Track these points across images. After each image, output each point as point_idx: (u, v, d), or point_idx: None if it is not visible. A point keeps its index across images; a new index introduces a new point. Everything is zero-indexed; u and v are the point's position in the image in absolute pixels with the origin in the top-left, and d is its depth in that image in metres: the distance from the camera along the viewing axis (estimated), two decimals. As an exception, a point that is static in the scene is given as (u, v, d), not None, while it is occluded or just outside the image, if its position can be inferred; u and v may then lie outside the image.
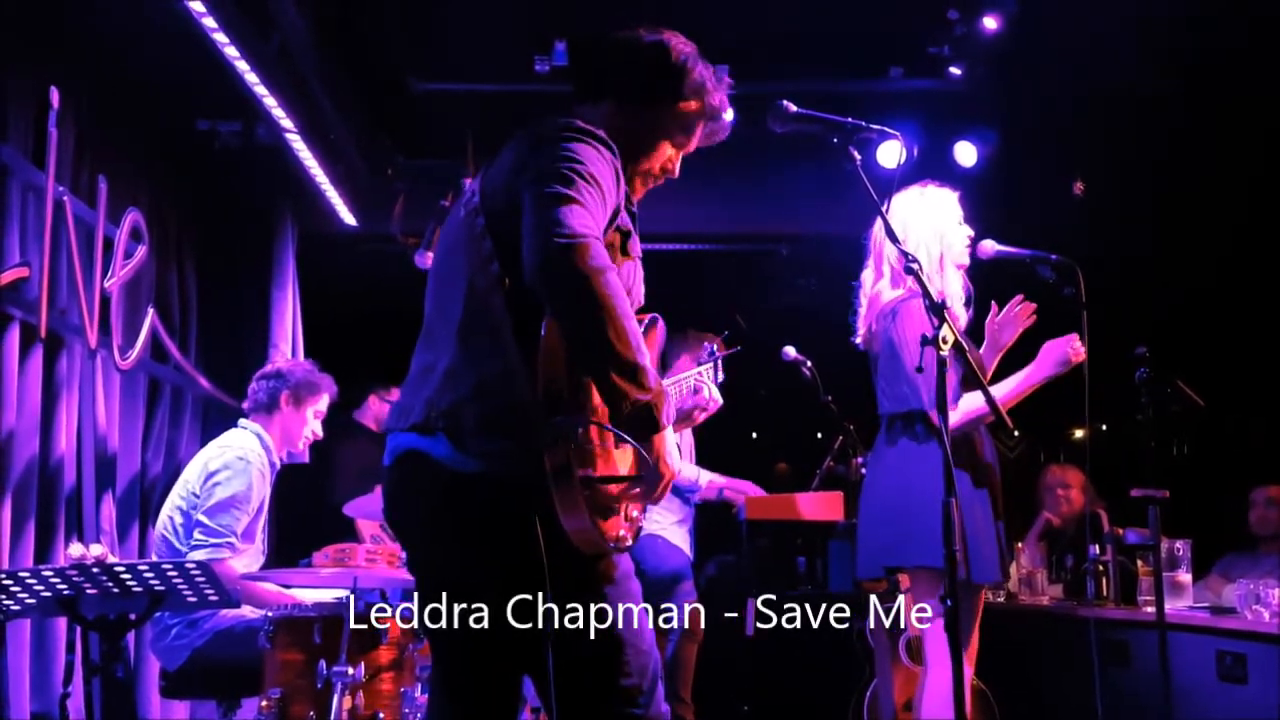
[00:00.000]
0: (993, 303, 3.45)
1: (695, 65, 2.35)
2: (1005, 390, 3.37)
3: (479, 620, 2.18)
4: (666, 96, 2.34)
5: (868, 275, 3.58)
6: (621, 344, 1.95)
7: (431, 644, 2.30)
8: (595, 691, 2.10)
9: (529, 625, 2.06)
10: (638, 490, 2.10)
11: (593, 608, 2.09)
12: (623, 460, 2.15)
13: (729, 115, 2.44)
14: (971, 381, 3.12)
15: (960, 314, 3.43)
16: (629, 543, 2.12)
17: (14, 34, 3.41)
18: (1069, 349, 3.36)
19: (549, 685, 2.04)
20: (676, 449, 2.11)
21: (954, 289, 3.43)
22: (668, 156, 2.40)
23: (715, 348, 2.94)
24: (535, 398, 1.99)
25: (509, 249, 2.08)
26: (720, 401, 2.71)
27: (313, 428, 4.17)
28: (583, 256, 1.93)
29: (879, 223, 3.01)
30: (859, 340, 3.57)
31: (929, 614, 3.10)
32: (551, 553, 2.01)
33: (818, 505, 5.45)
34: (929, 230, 3.44)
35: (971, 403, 3.26)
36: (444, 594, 2.21)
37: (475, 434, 2.05)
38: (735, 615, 5.83)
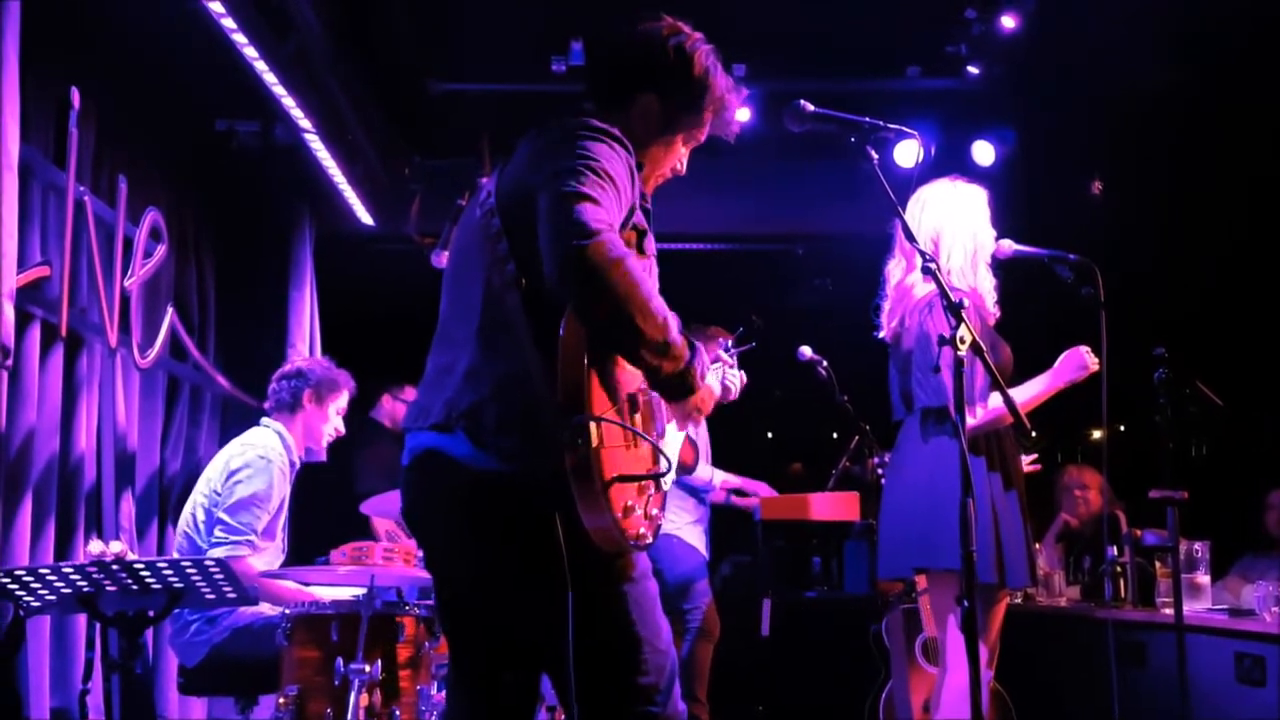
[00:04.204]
0: None
1: (708, 61, 2.34)
2: (1025, 394, 3.37)
3: (496, 619, 2.19)
4: (679, 94, 2.32)
5: (895, 269, 3.55)
6: (650, 326, 1.98)
7: (449, 642, 2.31)
8: (613, 690, 2.10)
9: (547, 624, 2.07)
10: (656, 486, 2.11)
11: (611, 606, 2.09)
12: (641, 459, 2.15)
13: (744, 114, 2.44)
14: (991, 382, 3.11)
15: (992, 310, 3.44)
16: (649, 540, 2.13)
17: (35, 34, 3.43)
18: (1087, 356, 3.36)
19: (569, 684, 2.04)
20: (714, 391, 2.15)
21: (986, 286, 3.44)
22: (679, 154, 2.40)
23: (730, 344, 2.93)
24: (554, 396, 1.99)
25: (525, 248, 2.08)
26: (744, 379, 2.72)
27: (335, 425, 4.21)
28: (600, 252, 1.93)
29: (905, 216, 3.00)
30: (884, 334, 3.54)
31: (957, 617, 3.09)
32: (571, 552, 2.02)
33: (833, 506, 5.45)
34: (964, 227, 3.44)
35: (997, 402, 3.25)
36: (462, 592, 2.22)
37: (495, 433, 2.06)
38: (751, 615, 5.83)
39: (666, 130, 2.34)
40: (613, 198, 2.04)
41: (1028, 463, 4.22)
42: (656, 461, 2.09)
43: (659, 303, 2.01)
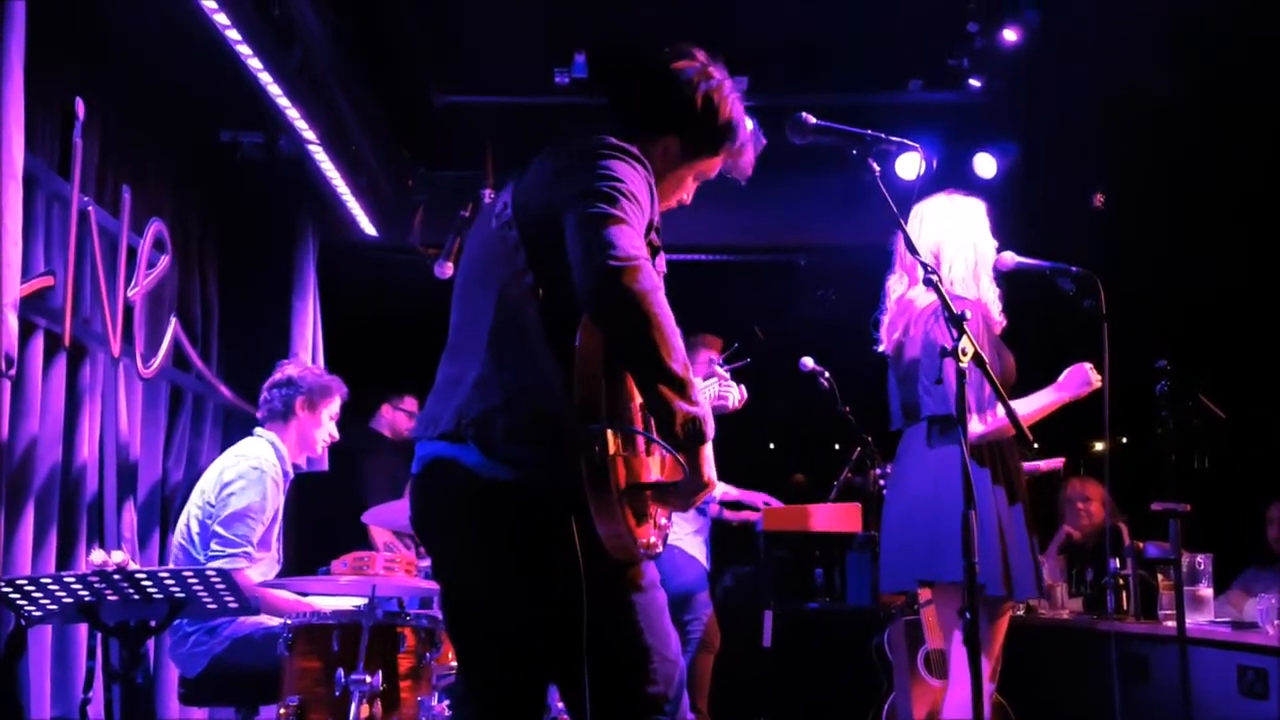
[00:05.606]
0: None
1: (734, 112, 2.35)
2: (1028, 408, 3.37)
3: (504, 627, 2.19)
4: (701, 139, 2.35)
5: (896, 284, 3.56)
6: (674, 361, 1.98)
7: (457, 651, 2.31)
8: (622, 699, 2.10)
9: (556, 633, 2.07)
10: (671, 495, 2.11)
11: (619, 616, 2.10)
12: (654, 467, 2.16)
13: (749, 124, 2.45)
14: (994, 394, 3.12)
15: (998, 319, 3.46)
16: (659, 550, 2.14)
17: (39, 44, 3.44)
18: (1090, 373, 3.37)
19: (582, 693, 2.04)
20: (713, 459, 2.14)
21: (990, 296, 3.45)
22: (688, 187, 2.43)
23: (721, 360, 2.94)
24: (570, 404, 2.00)
25: (545, 260, 2.10)
26: (744, 394, 2.72)
27: (329, 430, 4.19)
28: (635, 278, 1.95)
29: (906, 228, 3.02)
30: (884, 348, 3.55)
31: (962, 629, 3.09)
32: (581, 560, 2.02)
33: (835, 517, 5.44)
34: (965, 239, 3.45)
35: (1002, 412, 3.25)
36: (470, 600, 2.22)
37: (505, 442, 2.07)
38: (752, 626, 5.82)
39: (682, 166, 2.37)
40: (639, 219, 2.07)
41: (1049, 465, 4.21)
42: (674, 470, 2.09)
43: (680, 344, 2.01)
